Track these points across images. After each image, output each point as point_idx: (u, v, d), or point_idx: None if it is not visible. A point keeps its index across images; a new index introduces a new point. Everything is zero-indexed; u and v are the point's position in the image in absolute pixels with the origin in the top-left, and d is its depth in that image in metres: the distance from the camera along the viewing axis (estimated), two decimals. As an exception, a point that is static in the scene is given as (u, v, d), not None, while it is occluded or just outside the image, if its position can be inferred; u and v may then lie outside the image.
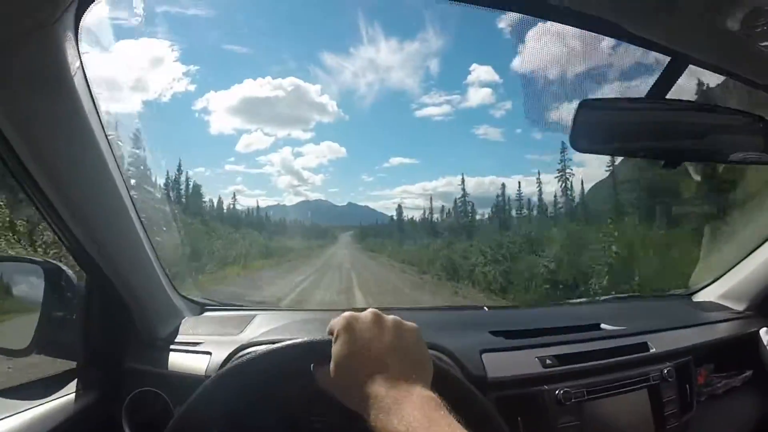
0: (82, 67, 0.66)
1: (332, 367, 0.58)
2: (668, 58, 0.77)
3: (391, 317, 0.62)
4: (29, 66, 0.59)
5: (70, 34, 0.61)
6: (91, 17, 0.64)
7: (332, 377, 0.58)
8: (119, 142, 0.80)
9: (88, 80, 0.69)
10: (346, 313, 0.62)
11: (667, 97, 0.77)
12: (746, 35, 0.66)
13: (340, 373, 0.58)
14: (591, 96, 0.75)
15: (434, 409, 0.49)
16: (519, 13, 0.70)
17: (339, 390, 0.59)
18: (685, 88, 0.80)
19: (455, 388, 0.66)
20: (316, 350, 0.62)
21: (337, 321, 0.61)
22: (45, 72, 0.61)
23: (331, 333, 0.61)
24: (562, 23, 0.71)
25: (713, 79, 0.84)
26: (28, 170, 0.69)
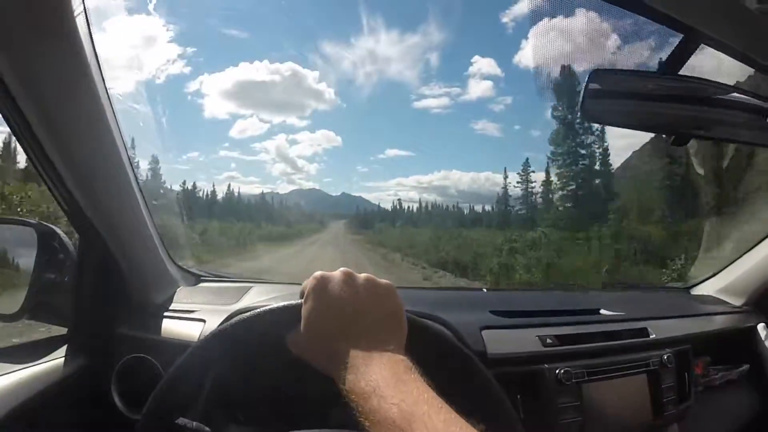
0: (86, 12, 0.64)
1: (302, 328, 0.56)
2: (681, 35, 0.77)
3: (363, 275, 0.59)
4: (31, 10, 0.58)
5: None
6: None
7: (301, 340, 0.56)
8: (119, 96, 0.78)
9: (90, 27, 0.67)
10: (317, 273, 0.59)
11: (680, 73, 0.76)
12: (763, 12, 0.65)
13: (309, 335, 0.55)
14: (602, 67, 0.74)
15: (404, 370, 0.47)
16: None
17: (309, 352, 0.56)
18: (698, 66, 0.79)
19: (455, 356, 0.65)
20: (288, 314, 0.59)
21: (308, 282, 0.58)
22: (47, 17, 0.60)
23: (302, 295, 0.59)
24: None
25: (727, 61, 0.83)
26: (27, 120, 0.67)
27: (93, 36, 0.69)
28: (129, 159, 0.83)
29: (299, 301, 0.59)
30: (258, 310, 0.62)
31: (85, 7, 0.65)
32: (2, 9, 0.56)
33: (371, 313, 0.55)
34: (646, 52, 0.84)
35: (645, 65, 0.82)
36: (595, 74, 0.70)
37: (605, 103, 0.71)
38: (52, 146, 0.71)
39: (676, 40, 0.77)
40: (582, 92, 0.68)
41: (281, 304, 0.62)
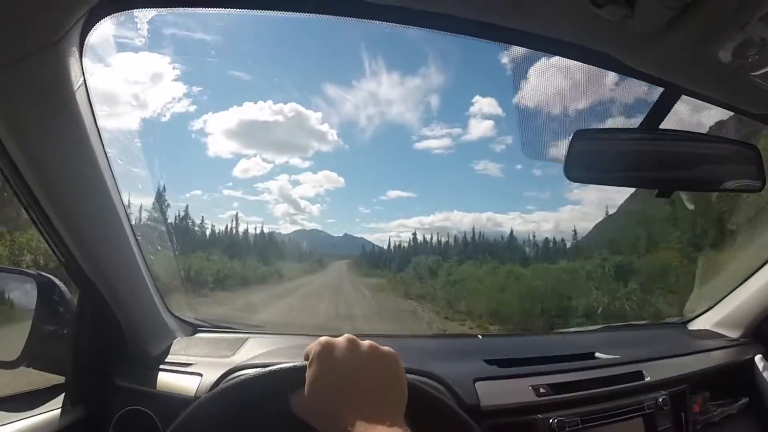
0: (86, 84, 0.67)
1: (306, 391, 0.57)
2: (661, 89, 0.79)
3: (366, 342, 0.61)
4: (33, 83, 0.60)
5: (75, 52, 0.62)
6: (96, 36, 0.65)
7: (305, 402, 0.58)
8: (118, 160, 0.80)
9: (91, 98, 0.70)
10: (321, 339, 0.60)
11: (661, 126, 0.78)
12: (738, 66, 0.67)
13: (313, 398, 0.57)
14: (585, 126, 0.76)
15: None
16: (512, 44, 0.71)
17: (311, 416, 0.58)
18: (678, 117, 0.81)
19: (448, 416, 0.66)
20: (292, 376, 0.61)
21: (312, 346, 0.60)
22: (48, 89, 0.62)
23: (306, 358, 0.61)
24: (553, 54, 0.72)
25: (706, 110, 0.85)
26: (27, 183, 0.69)
27: (93, 106, 0.72)
28: (126, 214, 0.86)
29: (304, 363, 0.60)
30: (263, 370, 0.64)
31: (85, 80, 0.68)
32: (3, 85, 0.59)
33: (373, 381, 0.57)
34: (627, 108, 0.86)
35: (626, 120, 0.84)
36: (578, 134, 0.72)
37: (589, 163, 0.73)
38: (49, 203, 0.73)
39: (656, 94, 0.79)
40: (565, 155, 0.70)
41: (286, 365, 0.63)
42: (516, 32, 0.67)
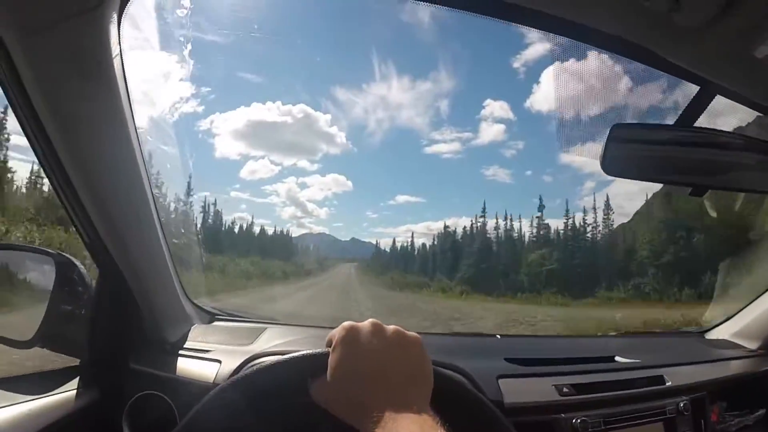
0: (121, 54, 0.67)
1: (328, 378, 0.56)
2: (697, 88, 0.78)
3: (392, 327, 0.59)
4: (70, 47, 0.60)
5: (114, 19, 0.62)
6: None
7: (327, 390, 0.56)
8: (148, 137, 0.80)
9: (125, 68, 0.69)
10: (345, 323, 0.59)
11: (696, 125, 0.78)
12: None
13: (336, 385, 0.55)
14: (620, 122, 0.75)
15: (431, 427, 0.47)
16: (550, 32, 0.71)
17: (334, 402, 0.56)
18: (713, 117, 0.81)
19: (476, 407, 0.64)
20: (314, 363, 0.59)
21: (336, 331, 0.58)
22: (85, 55, 0.62)
23: (329, 344, 0.59)
24: (593, 45, 0.72)
25: (741, 111, 0.85)
26: (59, 156, 0.69)
27: (127, 77, 0.71)
28: (153, 197, 0.85)
29: (327, 350, 0.59)
30: (285, 356, 0.62)
31: (121, 49, 0.68)
32: (40, 48, 0.59)
33: (399, 367, 0.55)
34: (662, 104, 0.85)
35: (661, 117, 0.83)
36: (616, 128, 0.71)
37: (625, 157, 0.73)
38: (81, 182, 0.73)
39: (692, 91, 0.79)
40: (603, 148, 0.69)
41: (308, 351, 0.61)
42: (558, 20, 0.66)
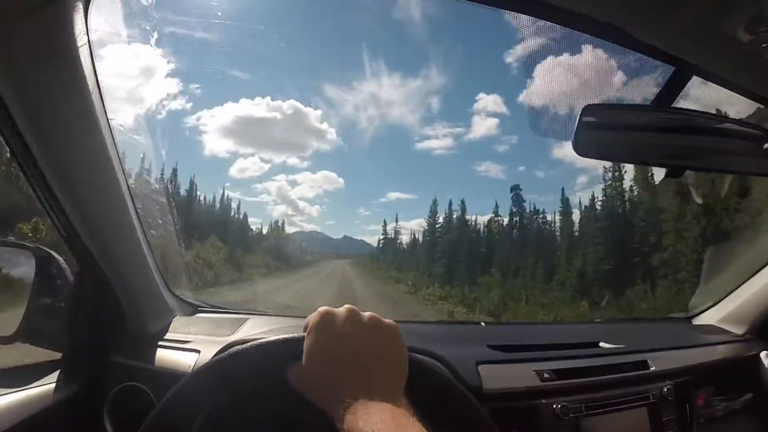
0: (90, 44, 0.66)
1: (303, 362, 0.56)
2: (673, 68, 0.78)
3: (368, 313, 0.59)
4: (36, 37, 0.59)
5: (80, 8, 0.61)
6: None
7: (302, 374, 0.56)
8: (120, 126, 0.79)
9: (94, 59, 0.68)
10: (321, 308, 0.58)
11: (672, 105, 0.77)
12: (750, 42, 0.66)
13: (310, 370, 0.55)
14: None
15: (403, 415, 0.47)
16: (522, 13, 0.70)
17: (308, 387, 0.56)
18: (691, 99, 0.80)
19: (450, 394, 0.64)
20: (289, 347, 0.59)
21: (312, 316, 0.58)
22: (51, 44, 0.61)
23: (305, 329, 0.59)
24: (567, 27, 0.71)
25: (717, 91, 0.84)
26: (30, 149, 0.68)
27: (96, 68, 0.71)
28: (129, 189, 0.84)
29: (302, 334, 0.59)
30: (259, 341, 0.62)
31: (89, 39, 0.67)
32: (7, 39, 0.58)
33: (373, 353, 0.55)
34: (638, 86, 0.85)
35: (638, 99, 0.83)
36: (588, 109, 0.70)
37: (598, 137, 0.72)
38: (53, 174, 0.72)
39: (668, 72, 0.78)
40: (575, 127, 0.69)
41: (282, 336, 0.61)
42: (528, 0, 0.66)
